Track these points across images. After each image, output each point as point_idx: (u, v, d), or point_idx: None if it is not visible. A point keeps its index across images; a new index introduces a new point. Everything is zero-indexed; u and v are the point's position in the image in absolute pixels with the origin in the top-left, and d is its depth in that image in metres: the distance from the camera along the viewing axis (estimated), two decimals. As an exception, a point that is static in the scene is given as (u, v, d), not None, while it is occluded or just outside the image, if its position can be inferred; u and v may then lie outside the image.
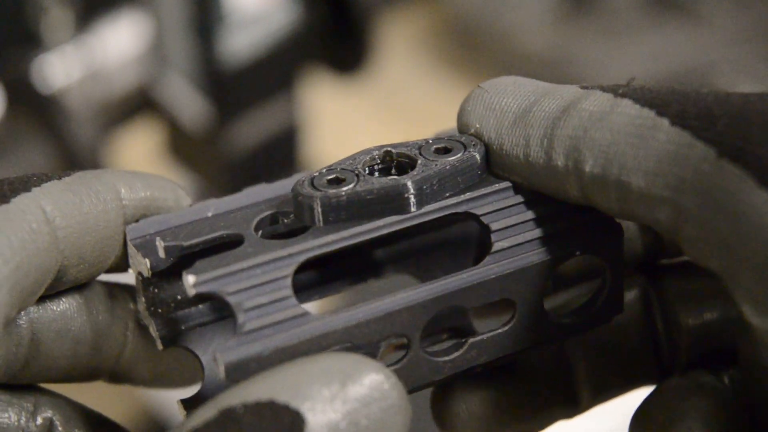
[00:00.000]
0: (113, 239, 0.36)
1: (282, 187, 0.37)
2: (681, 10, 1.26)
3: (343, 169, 0.36)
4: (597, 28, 1.27)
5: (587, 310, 0.38)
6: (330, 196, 0.35)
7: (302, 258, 0.34)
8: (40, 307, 0.36)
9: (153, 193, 0.37)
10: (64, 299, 0.37)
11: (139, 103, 0.97)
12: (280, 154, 1.02)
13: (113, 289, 0.39)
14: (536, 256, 0.36)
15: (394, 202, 0.35)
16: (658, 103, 0.33)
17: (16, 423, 0.36)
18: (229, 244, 0.35)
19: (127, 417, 1.08)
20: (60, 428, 0.37)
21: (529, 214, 0.36)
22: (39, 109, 0.91)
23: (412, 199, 0.35)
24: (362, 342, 0.34)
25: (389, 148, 0.37)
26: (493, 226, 0.36)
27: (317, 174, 0.36)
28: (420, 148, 0.36)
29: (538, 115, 0.35)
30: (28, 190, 0.34)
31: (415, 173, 0.35)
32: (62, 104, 0.91)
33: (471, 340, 0.36)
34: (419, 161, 0.36)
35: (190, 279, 0.33)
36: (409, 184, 0.35)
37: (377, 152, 0.36)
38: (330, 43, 1.04)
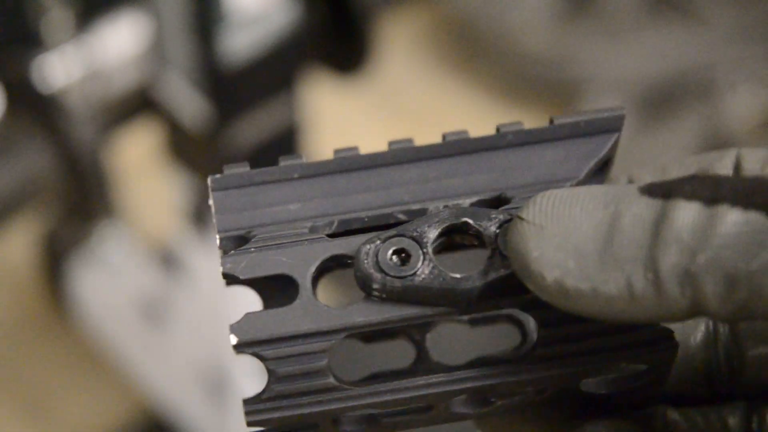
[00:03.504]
0: None
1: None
2: (681, 10, 1.26)
3: (411, 237, 0.36)
4: (597, 28, 1.27)
5: (623, 383, 0.37)
6: (387, 283, 0.35)
7: (344, 334, 0.35)
8: None
9: None
10: None
11: (139, 103, 0.97)
12: (280, 154, 1.02)
13: None
14: (576, 367, 0.36)
15: (451, 299, 0.36)
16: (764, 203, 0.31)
17: None
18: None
19: (126, 416, 1.08)
20: None
21: (579, 327, 0.35)
22: (39, 109, 0.91)
23: (471, 299, 0.36)
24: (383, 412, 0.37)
25: (466, 219, 0.36)
26: (540, 334, 0.36)
27: (385, 239, 0.36)
28: (500, 224, 0.36)
29: (625, 249, 0.32)
30: None
31: (478, 278, 0.35)
32: (62, 104, 0.91)
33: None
34: (488, 254, 0.36)
35: (231, 339, 0.35)
36: (472, 290, 0.35)
37: (456, 218, 0.36)
38: (330, 43, 1.04)
